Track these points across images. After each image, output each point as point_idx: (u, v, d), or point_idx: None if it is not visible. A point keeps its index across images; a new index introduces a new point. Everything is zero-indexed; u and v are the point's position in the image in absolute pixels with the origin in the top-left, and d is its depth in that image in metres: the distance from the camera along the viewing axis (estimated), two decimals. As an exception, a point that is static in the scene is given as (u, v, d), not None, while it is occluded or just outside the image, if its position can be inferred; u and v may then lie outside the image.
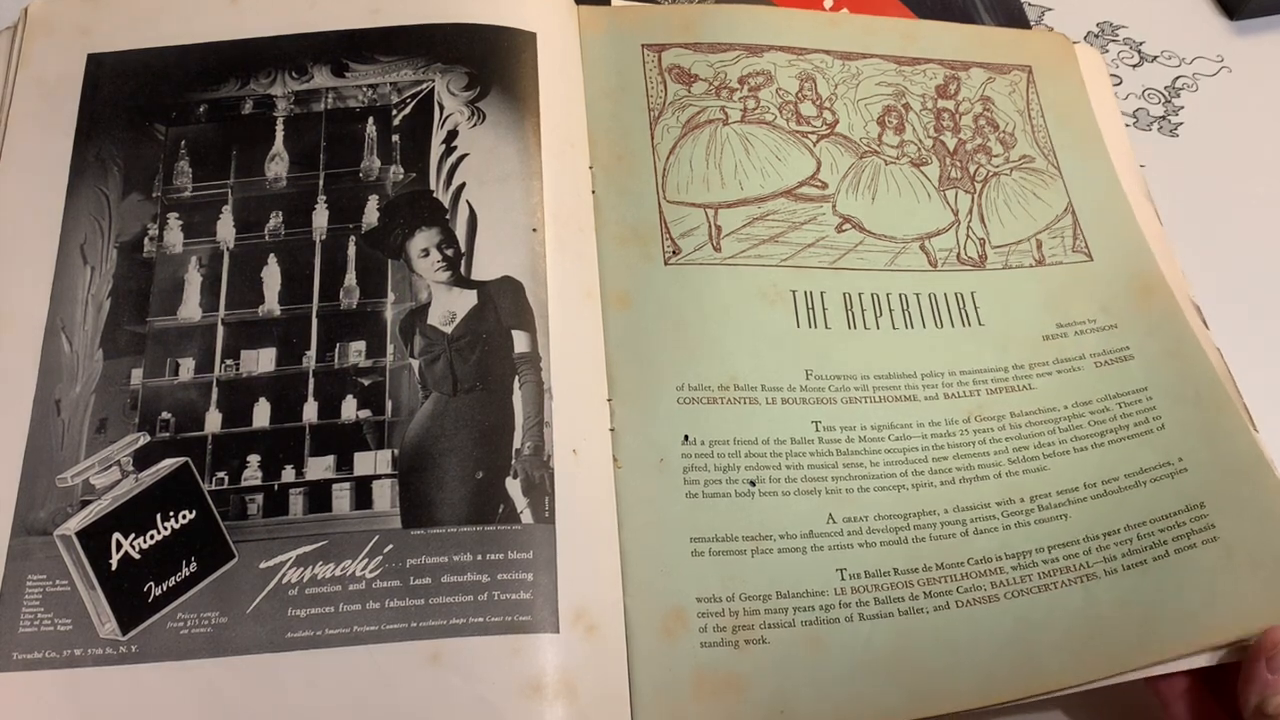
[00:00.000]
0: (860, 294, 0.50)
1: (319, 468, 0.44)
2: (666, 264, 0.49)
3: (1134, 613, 0.43)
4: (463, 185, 0.49)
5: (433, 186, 0.49)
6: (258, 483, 0.44)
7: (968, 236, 0.53)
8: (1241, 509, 0.45)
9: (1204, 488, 0.46)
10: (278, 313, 0.47)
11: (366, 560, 0.42)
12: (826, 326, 0.49)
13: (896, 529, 0.45)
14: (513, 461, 0.44)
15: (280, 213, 0.49)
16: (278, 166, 0.50)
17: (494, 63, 0.51)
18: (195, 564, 0.42)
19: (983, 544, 0.45)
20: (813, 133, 0.54)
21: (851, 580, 0.44)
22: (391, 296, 0.47)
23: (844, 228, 0.52)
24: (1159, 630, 0.42)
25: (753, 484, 0.45)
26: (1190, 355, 0.49)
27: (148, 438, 0.44)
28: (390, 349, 0.46)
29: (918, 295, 0.51)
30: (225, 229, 0.48)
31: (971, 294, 0.51)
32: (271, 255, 0.48)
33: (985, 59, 0.58)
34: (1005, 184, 0.54)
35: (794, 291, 0.49)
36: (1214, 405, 0.48)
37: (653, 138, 0.52)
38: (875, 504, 0.45)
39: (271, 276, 0.47)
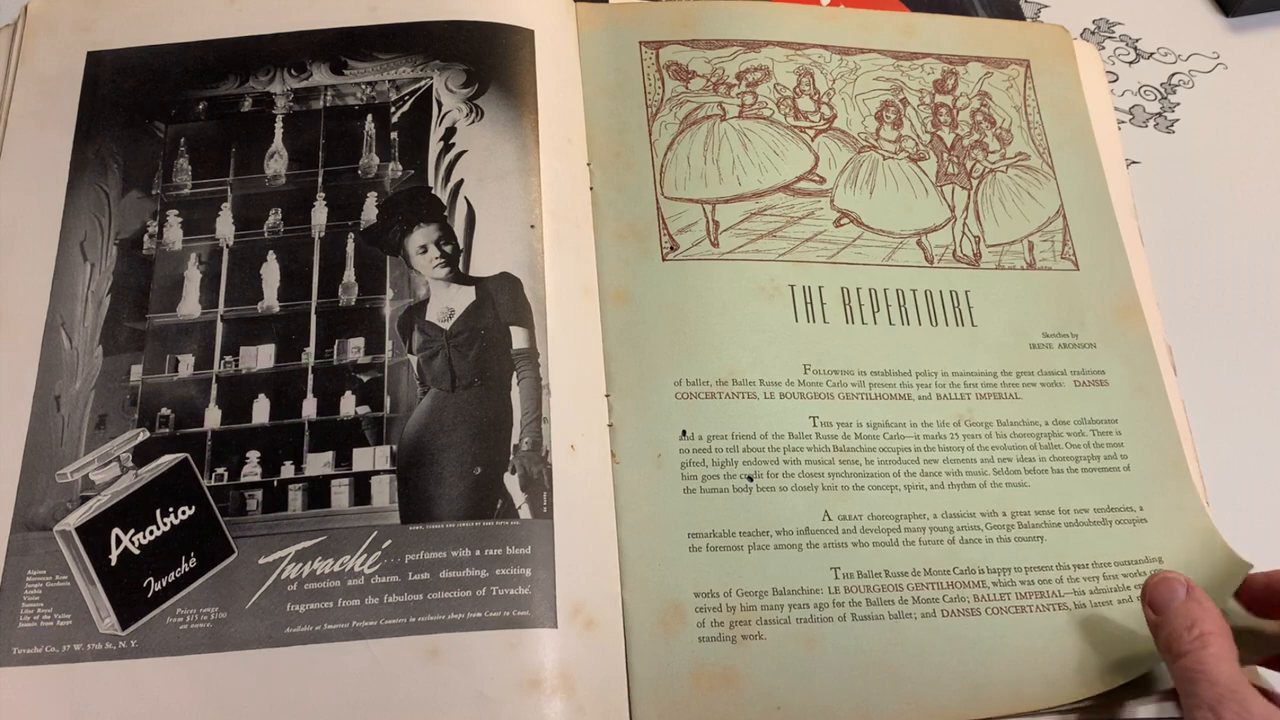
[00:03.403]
0: (858, 289, 0.50)
1: (318, 464, 0.44)
2: (664, 260, 0.49)
3: (1103, 645, 0.44)
4: (461, 182, 0.49)
5: (431, 183, 0.49)
6: (257, 479, 0.44)
7: (963, 234, 0.53)
8: (1194, 569, 0.45)
9: (1161, 545, 0.47)
10: (277, 309, 0.47)
11: (365, 556, 0.42)
12: (825, 321, 0.49)
13: (888, 530, 0.45)
14: (511, 457, 0.44)
15: (279, 210, 0.49)
16: (277, 164, 0.50)
17: (492, 60, 0.51)
18: (194, 559, 0.42)
19: (968, 553, 0.45)
20: (810, 128, 0.54)
21: (845, 579, 0.44)
22: (390, 293, 0.47)
23: (842, 222, 0.52)
24: (1125, 660, 0.43)
25: (750, 479, 0.45)
26: (1157, 402, 0.50)
27: (147, 434, 0.44)
28: (389, 345, 0.46)
29: (914, 291, 0.51)
30: (225, 226, 0.48)
31: (965, 293, 0.51)
32: (271, 252, 0.48)
33: (983, 52, 0.58)
34: (1001, 181, 0.55)
35: (792, 286, 0.50)
36: (1172, 467, 0.49)
37: (650, 134, 0.52)
38: (869, 503, 0.46)
39: (271, 273, 0.48)
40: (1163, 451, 0.49)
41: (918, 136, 0.55)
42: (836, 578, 0.44)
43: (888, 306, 0.50)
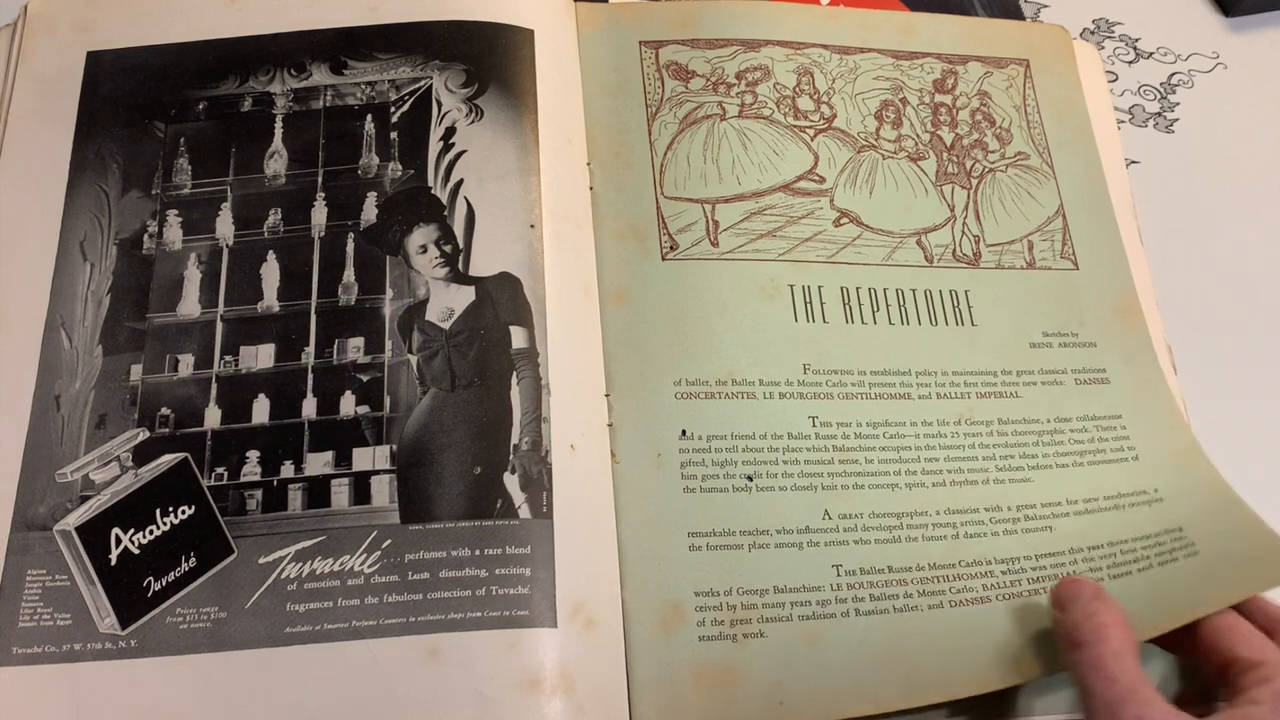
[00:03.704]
0: (858, 288, 0.50)
1: (318, 463, 0.44)
2: (664, 259, 0.49)
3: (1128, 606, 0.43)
4: (460, 182, 0.49)
5: (431, 183, 0.49)
6: (257, 478, 0.44)
7: (963, 233, 0.53)
8: (1219, 534, 0.45)
9: (1180, 517, 0.46)
10: (277, 309, 0.47)
11: (365, 555, 0.42)
12: (824, 321, 0.49)
13: (890, 528, 0.45)
14: (510, 457, 0.44)
15: (279, 210, 0.49)
16: (277, 164, 0.50)
17: (492, 60, 0.51)
18: (194, 559, 0.42)
19: (973, 547, 0.45)
20: (810, 127, 0.54)
21: (847, 576, 0.44)
22: (390, 293, 0.47)
23: (841, 222, 0.52)
24: (1144, 620, 0.42)
25: (750, 479, 0.45)
26: (1159, 395, 0.50)
27: (147, 433, 0.44)
28: (389, 345, 0.46)
29: (914, 291, 0.51)
30: (224, 226, 0.48)
31: (965, 293, 0.51)
32: (270, 252, 0.48)
33: (983, 52, 0.58)
34: (1001, 180, 0.55)
35: (791, 286, 0.50)
36: (1184, 453, 0.48)
37: (650, 134, 0.52)
38: (870, 502, 0.45)
39: (270, 273, 0.48)
40: (1172, 440, 0.49)
41: (917, 136, 0.55)
42: (839, 575, 0.44)
43: (887, 306, 0.50)
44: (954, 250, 0.52)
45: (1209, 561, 0.44)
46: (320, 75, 0.51)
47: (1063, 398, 0.49)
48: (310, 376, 0.46)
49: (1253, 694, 0.38)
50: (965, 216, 0.53)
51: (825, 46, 0.56)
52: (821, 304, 0.50)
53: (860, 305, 0.50)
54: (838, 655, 0.42)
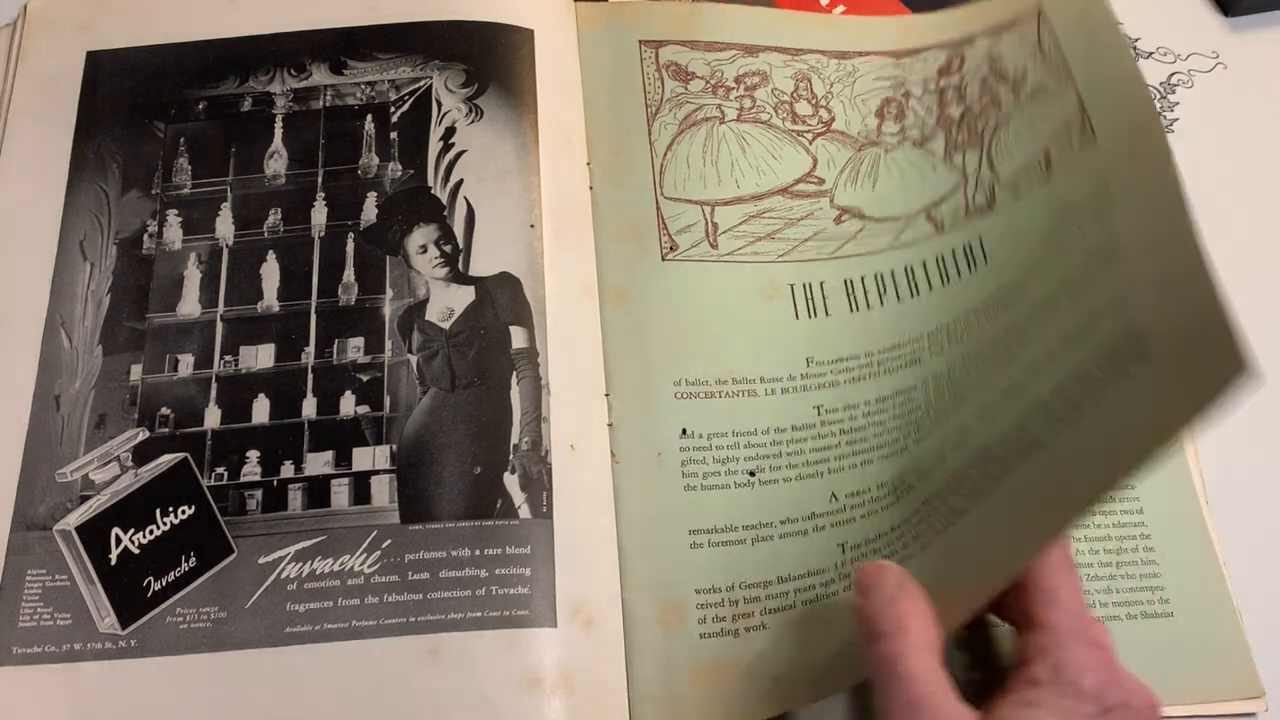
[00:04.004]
0: (862, 277, 0.50)
1: (318, 463, 0.44)
2: (664, 260, 0.49)
3: (1082, 462, 0.35)
4: (460, 182, 0.49)
5: (431, 183, 0.49)
6: (257, 478, 0.44)
7: (976, 188, 0.49)
8: (1166, 310, 0.35)
9: (1139, 307, 0.35)
10: (277, 309, 0.47)
11: (365, 555, 0.42)
12: (827, 314, 0.49)
13: (896, 488, 0.44)
14: (510, 457, 0.44)
15: (279, 209, 0.49)
16: (276, 164, 0.50)
17: (491, 60, 0.51)
18: (194, 559, 0.42)
19: (963, 454, 0.40)
20: (809, 131, 0.54)
21: (852, 552, 0.43)
22: (390, 293, 0.47)
23: (843, 219, 0.52)
24: (1104, 466, 0.34)
25: (752, 474, 0.45)
26: (1156, 166, 0.38)
27: (147, 433, 0.44)
28: (389, 345, 0.46)
29: (924, 262, 0.49)
30: (224, 226, 0.48)
31: (980, 238, 0.47)
32: (270, 252, 0.48)
33: (988, 25, 0.52)
34: (1015, 120, 0.48)
35: (791, 285, 0.49)
36: (1169, 219, 0.37)
37: (650, 134, 0.52)
38: (878, 473, 0.44)
39: (270, 273, 0.48)
40: (1159, 215, 0.38)
41: (922, 123, 0.53)
42: (844, 553, 0.43)
43: (895, 285, 0.49)
44: (966, 209, 0.49)
45: (1158, 364, 0.34)
46: (320, 75, 0.51)
47: (1064, 250, 0.40)
48: (310, 376, 0.46)
49: (1031, 671, 0.34)
50: (979, 172, 0.49)
51: (823, 52, 0.55)
52: (824, 298, 0.49)
53: (866, 292, 0.49)
54: (836, 629, 0.41)
